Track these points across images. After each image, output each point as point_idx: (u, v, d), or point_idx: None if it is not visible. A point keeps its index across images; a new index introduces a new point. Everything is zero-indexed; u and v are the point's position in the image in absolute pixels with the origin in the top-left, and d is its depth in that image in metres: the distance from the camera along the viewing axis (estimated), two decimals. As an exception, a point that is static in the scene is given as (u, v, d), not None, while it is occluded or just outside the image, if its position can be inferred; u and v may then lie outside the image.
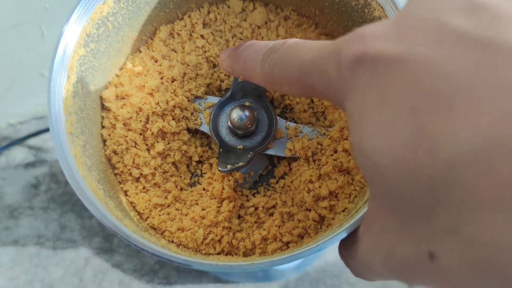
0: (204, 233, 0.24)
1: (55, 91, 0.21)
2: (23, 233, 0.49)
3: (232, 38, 0.28)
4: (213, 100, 0.27)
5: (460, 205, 0.11)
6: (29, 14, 0.39)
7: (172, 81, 0.26)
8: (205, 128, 0.26)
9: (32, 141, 0.52)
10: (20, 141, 0.52)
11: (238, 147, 0.25)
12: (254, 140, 0.26)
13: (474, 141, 0.11)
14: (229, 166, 0.23)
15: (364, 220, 0.17)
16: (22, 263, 0.48)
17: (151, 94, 0.26)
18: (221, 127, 0.26)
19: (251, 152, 0.25)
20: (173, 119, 0.26)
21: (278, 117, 0.26)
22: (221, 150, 0.25)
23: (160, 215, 0.25)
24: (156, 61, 0.27)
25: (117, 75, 0.26)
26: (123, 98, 0.26)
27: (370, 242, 0.16)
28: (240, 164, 0.24)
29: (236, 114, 0.24)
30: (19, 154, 0.52)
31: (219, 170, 0.24)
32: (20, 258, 0.49)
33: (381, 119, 0.13)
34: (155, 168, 0.25)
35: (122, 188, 0.25)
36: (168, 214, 0.25)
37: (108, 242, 0.49)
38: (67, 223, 0.50)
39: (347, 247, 0.19)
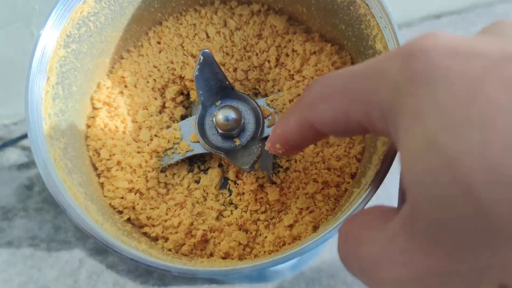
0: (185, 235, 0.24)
1: (33, 93, 0.21)
2: (17, 235, 0.49)
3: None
4: (186, 124, 0.27)
5: None
6: (18, 15, 0.39)
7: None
8: (199, 149, 0.26)
9: (25, 142, 0.52)
10: (13, 142, 0.52)
11: (237, 143, 0.25)
12: (247, 132, 0.26)
13: None
14: (250, 163, 0.23)
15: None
16: (16, 264, 0.48)
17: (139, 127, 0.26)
18: (212, 138, 0.25)
19: (256, 143, 0.25)
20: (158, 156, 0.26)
21: (257, 101, 0.26)
22: (228, 156, 0.25)
23: (142, 213, 0.25)
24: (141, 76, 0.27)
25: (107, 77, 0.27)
26: (115, 108, 0.26)
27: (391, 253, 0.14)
28: (257, 155, 0.24)
29: (223, 119, 0.24)
30: (13, 155, 0.52)
31: (247, 171, 0.24)
32: (14, 260, 0.48)
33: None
34: (140, 166, 0.25)
35: (103, 188, 0.25)
36: (151, 211, 0.25)
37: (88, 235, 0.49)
38: (61, 224, 0.49)
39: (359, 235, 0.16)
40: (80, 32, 0.23)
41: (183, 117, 0.28)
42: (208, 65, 0.24)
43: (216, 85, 0.25)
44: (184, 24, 0.28)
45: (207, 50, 0.24)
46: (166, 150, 0.25)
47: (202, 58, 0.24)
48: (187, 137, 0.26)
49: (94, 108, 0.26)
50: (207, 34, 0.27)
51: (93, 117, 0.26)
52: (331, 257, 0.47)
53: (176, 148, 0.26)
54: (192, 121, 0.26)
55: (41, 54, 0.21)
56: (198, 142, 0.25)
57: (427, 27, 0.56)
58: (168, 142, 0.26)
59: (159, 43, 0.28)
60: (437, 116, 0.11)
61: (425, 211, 0.12)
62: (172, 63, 0.27)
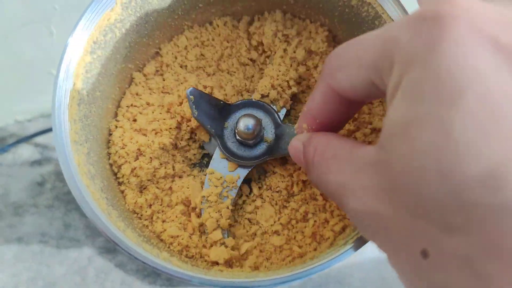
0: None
1: (60, 98, 0.21)
2: (27, 231, 0.49)
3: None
4: (215, 162, 0.26)
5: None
6: (37, 14, 0.39)
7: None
8: (244, 171, 0.26)
9: (39, 139, 0.52)
10: (27, 138, 0.52)
11: (268, 140, 0.26)
12: (268, 127, 0.26)
13: None
14: None
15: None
16: (25, 260, 0.49)
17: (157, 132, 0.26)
18: (244, 153, 0.26)
19: (283, 127, 0.25)
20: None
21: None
22: (272, 154, 0.26)
23: (163, 223, 0.25)
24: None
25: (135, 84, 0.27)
26: (134, 121, 0.26)
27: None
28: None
29: (245, 128, 0.24)
30: (26, 151, 0.52)
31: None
32: (23, 255, 0.49)
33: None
34: (154, 175, 0.25)
35: (124, 195, 0.25)
36: (172, 221, 0.25)
37: (111, 243, 0.49)
38: (71, 222, 0.50)
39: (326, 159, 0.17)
40: (106, 39, 0.24)
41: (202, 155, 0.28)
42: (200, 99, 0.25)
43: (216, 112, 0.25)
44: (204, 36, 0.28)
45: (191, 88, 0.25)
46: (219, 194, 0.26)
47: (192, 97, 0.24)
48: (225, 171, 0.26)
49: (116, 115, 0.26)
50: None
51: (115, 126, 0.26)
52: (338, 263, 0.47)
53: (228, 186, 0.26)
54: (218, 155, 0.26)
55: (69, 60, 0.21)
56: (238, 167, 0.26)
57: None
58: (216, 187, 0.26)
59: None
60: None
61: (393, 162, 0.12)
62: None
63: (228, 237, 0.25)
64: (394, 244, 0.13)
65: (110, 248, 0.49)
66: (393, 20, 0.22)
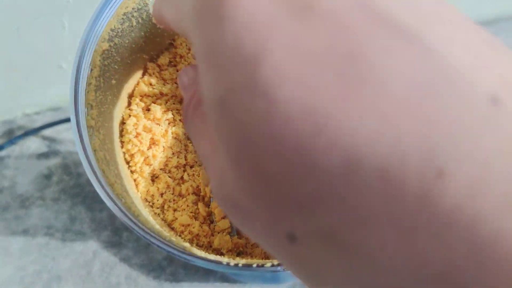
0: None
1: (78, 83, 0.21)
2: (33, 223, 0.50)
3: None
4: None
5: None
6: (50, 7, 0.39)
7: None
8: None
9: (46, 132, 0.53)
10: (34, 131, 0.53)
11: None
12: None
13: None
14: None
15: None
16: (31, 253, 0.49)
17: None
18: None
19: None
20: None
21: None
22: None
23: (174, 212, 0.25)
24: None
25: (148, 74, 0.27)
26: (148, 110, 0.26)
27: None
28: None
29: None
30: (33, 144, 0.53)
31: None
32: (29, 248, 0.49)
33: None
34: (166, 164, 0.26)
35: (136, 183, 0.25)
36: (183, 210, 0.25)
37: (117, 236, 0.49)
38: (77, 215, 0.50)
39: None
40: (123, 27, 0.24)
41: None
42: None
43: None
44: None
45: None
46: None
47: None
48: None
49: (129, 104, 0.26)
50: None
51: (129, 115, 0.26)
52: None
53: None
54: None
55: (88, 46, 0.22)
56: None
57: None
58: None
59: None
60: None
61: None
62: None
63: (236, 234, 0.25)
64: (260, 232, 0.12)
65: (115, 242, 0.49)
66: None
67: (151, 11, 0.21)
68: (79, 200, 0.50)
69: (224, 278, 0.46)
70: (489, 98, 0.09)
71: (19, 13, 0.39)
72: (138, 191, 0.25)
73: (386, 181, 0.09)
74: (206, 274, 0.47)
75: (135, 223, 0.19)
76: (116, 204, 0.20)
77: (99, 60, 0.23)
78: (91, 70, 0.22)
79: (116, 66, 0.24)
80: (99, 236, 0.49)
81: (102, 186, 0.20)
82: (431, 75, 0.09)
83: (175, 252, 0.19)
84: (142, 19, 0.25)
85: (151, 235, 0.19)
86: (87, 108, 0.22)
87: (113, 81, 0.24)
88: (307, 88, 0.09)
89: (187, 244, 0.21)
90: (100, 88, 0.23)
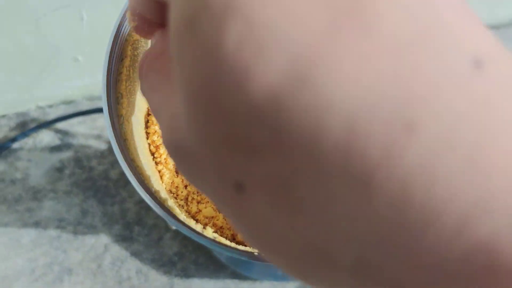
0: None
1: (110, 72, 0.21)
2: (45, 216, 0.50)
3: None
4: None
5: None
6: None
7: None
8: None
9: (59, 125, 0.53)
10: (47, 124, 0.53)
11: None
12: None
13: None
14: None
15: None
16: (42, 245, 0.49)
17: None
18: None
19: None
20: None
21: None
22: None
23: (198, 204, 0.25)
24: None
25: None
26: None
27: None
28: None
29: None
30: (46, 137, 0.53)
31: None
32: (41, 240, 0.49)
33: None
34: None
35: (161, 175, 0.26)
36: (207, 202, 0.25)
37: (128, 230, 0.50)
38: (89, 208, 0.50)
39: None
40: (153, 18, 0.24)
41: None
42: None
43: None
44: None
45: None
46: None
47: None
48: None
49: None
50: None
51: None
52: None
53: None
54: None
55: (120, 36, 0.22)
56: None
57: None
58: None
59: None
60: None
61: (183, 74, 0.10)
62: None
63: None
64: (209, 182, 0.11)
65: (127, 236, 0.49)
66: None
67: None
68: (91, 194, 0.50)
69: (235, 275, 0.47)
70: (473, 60, 0.09)
71: (40, 4, 0.39)
72: (162, 182, 0.25)
73: (351, 131, 0.08)
74: (217, 270, 0.47)
75: (169, 213, 0.19)
76: (149, 195, 0.20)
77: (130, 50, 0.23)
78: (122, 60, 0.22)
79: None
80: (111, 230, 0.49)
81: (135, 174, 0.20)
82: (424, 25, 0.08)
83: (216, 245, 0.19)
84: (171, 10, 0.25)
85: (191, 229, 0.19)
86: (118, 97, 0.22)
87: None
88: (290, 14, 0.08)
89: (215, 235, 0.22)
90: (129, 77, 0.23)
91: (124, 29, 0.22)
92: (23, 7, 0.39)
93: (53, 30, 0.42)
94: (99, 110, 0.52)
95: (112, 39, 0.21)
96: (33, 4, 0.39)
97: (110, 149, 0.52)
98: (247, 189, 0.10)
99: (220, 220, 0.24)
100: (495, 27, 0.56)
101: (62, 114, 0.53)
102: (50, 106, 0.54)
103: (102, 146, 0.52)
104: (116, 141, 0.20)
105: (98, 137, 0.53)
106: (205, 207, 0.25)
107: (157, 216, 0.48)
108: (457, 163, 0.08)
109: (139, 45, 0.24)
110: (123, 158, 0.20)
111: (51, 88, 0.51)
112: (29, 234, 0.49)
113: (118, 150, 0.20)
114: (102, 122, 0.53)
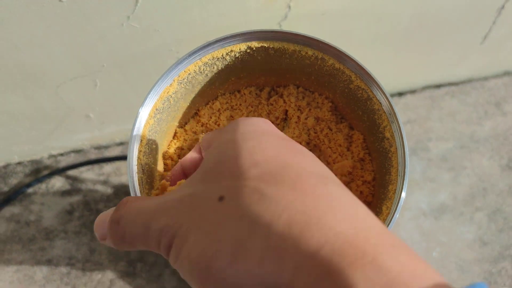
0: None
1: (132, 153, 0.28)
2: (56, 254, 0.55)
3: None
4: None
5: None
6: (87, 69, 0.46)
7: None
8: None
9: (70, 172, 0.59)
10: (59, 171, 0.59)
11: None
12: None
13: None
14: None
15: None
16: (54, 281, 0.54)
17: None
18: None
19: None
20: None
21: None
22: None
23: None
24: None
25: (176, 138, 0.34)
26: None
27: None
28: None
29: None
30: (57, 182, 0.59)
31: None
32: (52, 277, 0.54)
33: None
34: None
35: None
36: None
37: (131, 267, 0.55)
38: (96, 247, 0.56)
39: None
40: (164, 106, 0.31)
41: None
42: None
43: None
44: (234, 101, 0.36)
45: None
46: None
47: None
48: None
49: (165, 164, 0.33)
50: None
51: (165, 170, 0.33)
52: None
53: None
54: None
55: (139, 124, 0.29)
56: None
57: (428, 94, 0.65)
58: None
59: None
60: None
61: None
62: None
63: None
64: None
65: (130, 272, 0.55)
66: (380, 103, 0.30)
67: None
68: (98, 234, 0.56)
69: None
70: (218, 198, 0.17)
71: (61, 75, 0.46)
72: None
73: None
74: None
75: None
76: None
77: (146, 132, 0.30)
78: (141, 140, 0.29)
79: (156, 135, 0.31)
80: (116, 267, 0.55)
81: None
82: None
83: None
84: (177, 98, 0.32)
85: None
86: (138, 169, 0.29)
87: (154, 146, 0.31)
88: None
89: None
90: (146, 153, 0.30)
91: (143, 116, 0.29)
92: (46, 76, 0.46)
93: (70, 94, 0.49)
94: (106, 159, 0.58)
95: (134, 125, 0.28)
96: (55, 73, 0.45)
97: (115, 193, 0.58)
98: None
99: None
100: (454, 84, 0.64)
101: (72, 162, 0.59)
102: (61, 155, 0.60)
103: (108, 190, 0.58)
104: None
105: (105, 182, 0.59)
106: None
107: (158, 254, 0.53)
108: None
109: (153, 128, 0.31)
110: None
111: (63, 139, 0.57)
112: (41, 271, 0.54)
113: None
114: (108, 169, 0.59)
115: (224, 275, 0.15)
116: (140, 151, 0.29)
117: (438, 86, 0.65)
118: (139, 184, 0.28)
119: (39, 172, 0.60)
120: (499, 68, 0.66)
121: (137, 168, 0.28)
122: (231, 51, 0.31)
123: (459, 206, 0.58)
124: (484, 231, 0.57)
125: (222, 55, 0.31)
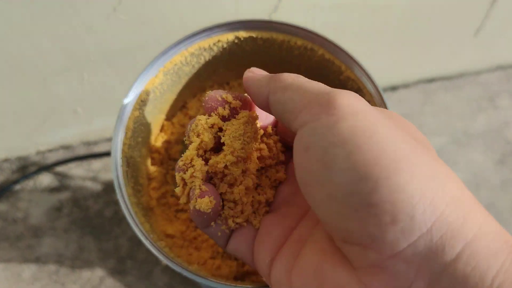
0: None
1: (116, 144, 0.27)
2: (44, 252, 0.54)
3: None
4: None
5: None
6: (74, 63, 0.45)
7: None
8: None
9: (58, 168, 0.58)
10: (47, 167, 0.58)
11: None
12: None
13: None
14: None
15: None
16: (42, 279, 0.53)
17: None
18: None
19: None
20: None
21: None
22: None
23: (183, 247, 0.31)
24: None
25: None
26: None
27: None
28: None
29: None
30: (46, 179, 0.58)
31: None
32: (41, 275, 0.53)
33: None
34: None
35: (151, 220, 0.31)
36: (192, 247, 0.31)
37: (121, 264, 0.54)
38: (86, 244, 0.55)
39: None
40: (149, 97, 0.30)
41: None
42: None
43: None
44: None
45: None
46: None
47: None
48: None
49: (152, 158, 0.33)
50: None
51: (151, 164, 0.32)
52: None
53: None
54: None
55: (124, 116, 0.28)
56: None
57: (421, 89, 0.64)
58: None
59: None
60: None
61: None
62: None
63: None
64: None
65: (120, 269, 0.54)
66: (370, 93, 0.30)
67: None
68: (88, 231, 0.55)
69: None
70: None
71: (48, 67, 0.45)
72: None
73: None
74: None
75: (159, 250, 0.25)
76: (147, 238, 0.26)
77: (131, 125, 0.29)
78: (126, 133, 0.28)
79: (142, 127, 0.31)
80: (105, 264, 0.54)
81: (136, 224, 0.26)
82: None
83: (201, 278, 0.24)
84: (163, 89, 0.31)
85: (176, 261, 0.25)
86: (123, 160, 0.28)
87: (139, 139, 0.31)
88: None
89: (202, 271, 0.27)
90: (131, 146, 0.29)
91: (128, 108, 0.28)
92: (33, 68, 0.45)
93: (57, 87, 0.48)
94: (95, 155, 0.57)
95: (119, 117, 0.28)
96: (42, 66, 0.44)
97: (104, 190, 0.57)
98: None
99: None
100: (447, 78, 0.64)
101: (61, 158, 0.58)
102: (50, 151, 0.59)
103: (97, 187, 0.57)
104: (122, 197, 0.26)
105: (94, 179, 0.58)
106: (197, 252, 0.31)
107: (148, 251, 0.52)
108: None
109: (138, 120, 0.30)
110: (128, 211, 0.26)
111: (51, 135, 0.56)
112: (29, 269, 0.53)
113: (124, 205, 0.26)
114: (98, 165, 0.58)
115: None
116: (125, 143, 0.28)
117: (431, 80, 0.65)
118: (124, 178, 0.27)
119: (26, 168, 0.59)
120: (492, 62, 0.66)
121: (122, 161, 0.27)
122: (219, 41, 0.30)
123: (452, 201, 0.57)
124: (477, 226, 0.56)
125: (209, 45, 0.30)
